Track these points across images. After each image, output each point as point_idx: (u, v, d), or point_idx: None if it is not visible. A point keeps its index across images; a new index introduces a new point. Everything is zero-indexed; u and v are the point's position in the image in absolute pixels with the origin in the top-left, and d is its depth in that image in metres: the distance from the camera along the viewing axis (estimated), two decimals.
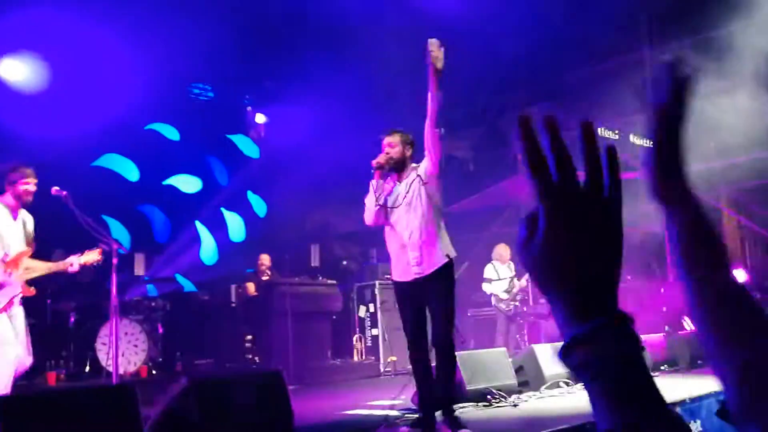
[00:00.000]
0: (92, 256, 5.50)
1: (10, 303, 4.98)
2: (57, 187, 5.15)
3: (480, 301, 11.61)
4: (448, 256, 4.47)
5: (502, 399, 5.60)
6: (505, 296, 9.03)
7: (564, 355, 0.72)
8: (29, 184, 5.13)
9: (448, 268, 4.49)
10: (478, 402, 5.54)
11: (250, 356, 9.47)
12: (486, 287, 9.37)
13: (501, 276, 9.23)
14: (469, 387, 5.57)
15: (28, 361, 5.07)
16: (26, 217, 5.29)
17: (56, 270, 5.40)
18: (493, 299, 9.31)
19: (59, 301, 8.33)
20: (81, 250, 5.57)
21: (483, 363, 5.90)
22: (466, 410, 5.29)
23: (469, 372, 5.67)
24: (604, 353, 0.69)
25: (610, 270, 0.71)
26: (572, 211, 0.70)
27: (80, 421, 3.75)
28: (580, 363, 0.71)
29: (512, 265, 9.40)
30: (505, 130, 13.56)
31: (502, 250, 9.51)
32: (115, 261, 5.07)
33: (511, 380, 5.99)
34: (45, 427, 3.62)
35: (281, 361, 8.69)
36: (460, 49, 11.35)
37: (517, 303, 9.21)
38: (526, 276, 8.87)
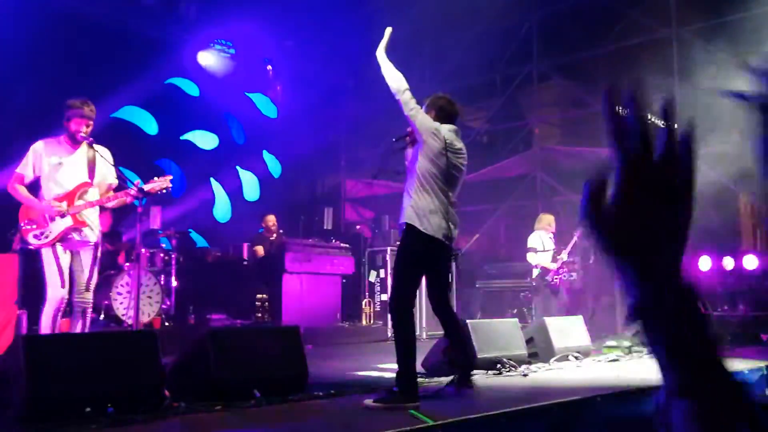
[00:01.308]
0: (162, 184, 5.17)
1: (64, 235, 4.92)
2: (83, 133, 5.09)
3: (490, 273, 11.69)
4: (406, 223, 4.42)
5: (512, 368, 5.66)
6: (552, 266, 8.77)
7: (630, 319, 0.74)
8: (81, 125, 5.01)
9: (404, 234, 4.43)
10: (488, 370, 5.61)
11: (260, 314, 9.58)
12: (531, 257, 9.01)
13: (546, 247, 8.94)
14: (480, 355, 5.64)
15: (86, 297, 5.02)
16: (99, 151, 5.15)
17: (116, 199, 5.14)
18: (535, 271, 8.98)
19: None
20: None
21: (495, 332, 5.96)
22: (476, 378, 5.36)
23: (481, 340, 5.73)
24: (669, 316, 0.72)
25: (678, 235, 0.74)
26: (648, 179, 0.73)
27: (104, 364, 3.84)
28: (645, 326, 0.74)
29: (552, 236, 9.10)
30: (521, 103, 13.50)
31: (550, 220, 9.17)
32: (140, 210, 5.09)
33: (522, 351, 6.05)
34: (69, 368, 3.71)
35: (291, 320, 8.80)
36: (476, 20, 11.33)
37: (560, 276, 8.90)
38: (568, 249, 8.71)
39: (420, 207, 4.36)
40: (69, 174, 5.04)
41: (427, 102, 4.70)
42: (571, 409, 4.27)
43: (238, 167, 12.52)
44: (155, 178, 5.20)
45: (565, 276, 8.81)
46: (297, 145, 12.60)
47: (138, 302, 5.05)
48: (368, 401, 4.11)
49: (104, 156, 5.19)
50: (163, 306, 8.51)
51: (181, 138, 11.72)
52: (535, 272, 8.95)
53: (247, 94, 12.82)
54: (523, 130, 12.97)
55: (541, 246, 8.91)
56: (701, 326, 0.72)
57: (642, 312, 0.73)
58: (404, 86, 4.50)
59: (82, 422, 3.49)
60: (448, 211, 4.44)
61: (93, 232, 5.10)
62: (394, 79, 4.53)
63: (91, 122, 5.08)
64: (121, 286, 8.03)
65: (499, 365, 5.65)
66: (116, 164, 5.36)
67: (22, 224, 4.98)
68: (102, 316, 8.06)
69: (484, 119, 13.74)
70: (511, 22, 12.19)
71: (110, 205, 5.25)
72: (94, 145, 5.14)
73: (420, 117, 4.46)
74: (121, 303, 7.96)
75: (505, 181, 12.45)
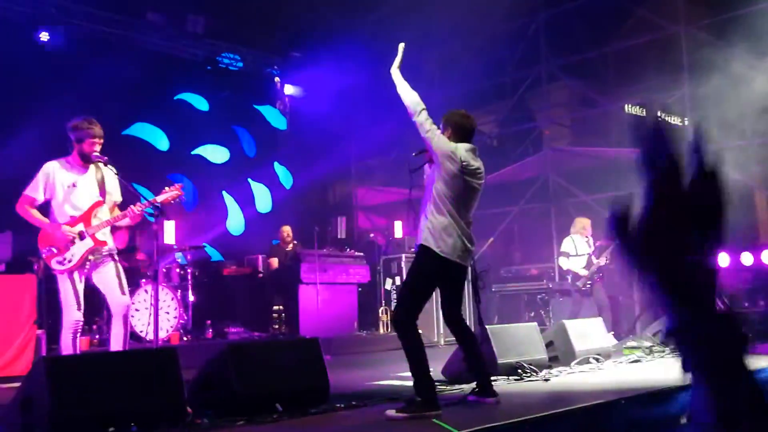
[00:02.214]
0: (174, 193, 5.14)
1: (86, 258, 4.91)
2: (97, 152, 5.09)
3: (505, 276, 11.64)
4: (422, 245, 4.44)
5: (533, 373, 5.62)
6: (584, 272, 8.71)
7: (668, 340, 0.73)
8: (95, 146, 4.97)
9: (418, 254, 4.47)
10: (509, 376, 5.57)
11: (277, 326, 9.58)
12: (563, 262, 8.94)
13: (579, 251, 8.86)
14: (500, 361, 5.60)
15: (123, 300, 4.99)
16: (105, 171, 5.11)
17: (126, 217, 5.09)
18: (569, 276, 8.91)
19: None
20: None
21: (514, 337, 5.92)
22: (497, 383, 5.32)
23: (501, 345, 5.69)
24: (704, 341, 0.71)
25: (710, 259, 0.73)
26: (679, 204, 0.72)
27: (125, 382, 3.84)
28: (680, 349, 0.73)
29: (591, 241, 9.04)
30: (530, 105, 13.47)
31: (585, 223, 9.01)
32: (155, 226, 5.11)
33: (542, 355, 6.01)
34: (92, 387, 3.71)
35: (308, 331, 8.79)
36: (483, 23, 11.32)
37: (594, 280, 8.81)
38: (606, 253, 8.64)
39: (436, 228, 4.37)
40: (83, 195, 5.01)
41: (443, 119, 4.67)
42: (596, 413, 4.23)
43: (249, 180, 12.56)
44: (165, 189, 5.15)
45: (596, 278, 8.72)
46: (307, 156, 12.63)
47: (157, 319, 5.05)
48: (390, 412, 4.09)
49: (111, 174, 5.15)
50: (181, 321, 8.52)
51: (192, 153, 11.77)
52: (568, 277, 8.88)
53: (256, 106, 12.86)
54: (534, 132, 12.94)
55: (574, 250, 8.85)
56: (737, 351, 0.70)
57: (678, 336, 0.72)
58: (420, 106, 4.47)
59: None
60: (464, 231, 4.43)
61: (109, 247, 5.09)
62: (410, 98, 4.51)
63: (102, 140, 5.04)
64: (139, 303, 8.05)
65: (519, 371, 5.60)
66: (129, 180, 5.33)
67: (43, 252, 4.93)
68: None
69: (494, 123, 13.73)
70: (518, 24, 12.18)
71: (123, 223, 5.21)
72: (100, 164, 5.10)
73: (436, 139, 4.42)
74: (139, 319, 7.98)
75: (517, 183, 12.41)
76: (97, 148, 4.99)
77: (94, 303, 8.17)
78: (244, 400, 4.16)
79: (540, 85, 12.40)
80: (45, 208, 5.05)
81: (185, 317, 8.71)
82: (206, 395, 4.30)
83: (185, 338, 8.62)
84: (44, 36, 9.69)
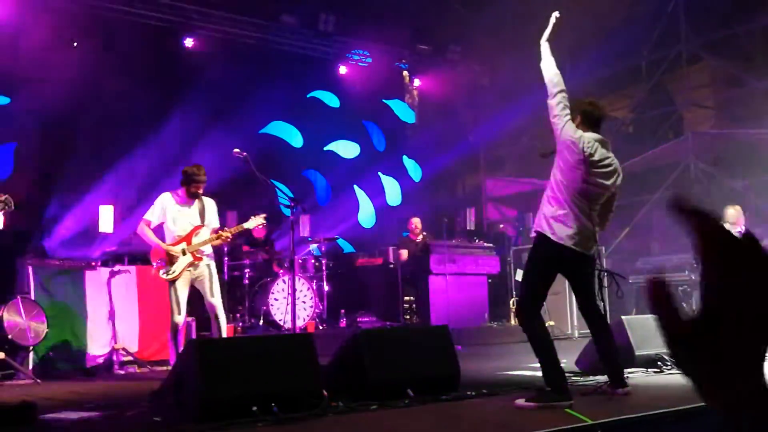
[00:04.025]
0: (258, 221, 6.28)
1: (186, 271, 5.95)
2: (237, 149, 5.57)
3: (643, 268, 11.15)
4: (537, 231, 4.33)
5: (674, 365, 5.37)
6: None
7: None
8: (199, 188, 6.08)
9: (535, 240, 4.38)
10: (647, 368, 5.36)
11: (408, 316, 9.72)
12: None
13: None
14: (638, 353, 5.40)
15: (212, 302, 5.99)
16: (206, 202, 6.21)
17: (220, 241, 6.23)
18: None
19: (235, 259, 8.97)
20: (255, 209, 6.17)
21: (653, 328, 5.67)
22: (634, 376, 5.15)
23: (638, 337, 5.48)
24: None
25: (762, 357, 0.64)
26: (737, 300, 0.64)
27: (267, 365, 4.06)
28: None
29: (743, 230, 8.57)
30: (668, 87, 12.78)
31: (735, 213, 8.59)
32: (291, 218, 5.38)
33: None
34: (237, 370, 3.95)
35: (439, 321, 8.85)
36: (617, 3, 10.83)
37: None
38: None
39: (550, 215, 4.29)
40: (187, 221, 6.11)
41: (571, 107, 4.53)
42: None
43: (380, 173, 12.80)
44: (252, 217, 6.31)
45: None
46: (436, 148, 12.69)
47: (294, 307, 5.31)
48: (520, 401, 4.06)
49: (210, 206, 6.24)
50: (317, 310, 8.86)
51: (325, 149, 12.16)
52: None
53: (384, 101, 13.07)
54: (672, 116, 12.27)
55: None
56: None
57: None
58: (558, 87, 4.34)
59: (250, 421, 3.71)
60: (583, 222, 4.25)
61: (206, 257, 6.14)
62: (551, 75, 4.38)
63: (205, 183, 6.12)
64: (277, 292, 8.45)
65: (659, 362, 5.38)
66: (268, 178, 6.17)
67: (155, 264, 6.08)
68: (261, 322, 8.53)
69: (628, 108, 13.15)
70: (656, 2, 11.58)
71: (217, 242, 6.25)
72: (203, 197, 6.23)
73: (562, 125, 4.29)
74: (278, 308, 8.37)
75: (655, 170, 11.82)
76: (200, 190, 6.11)
77: (235, 292, 8.71)
78: (376, 384, 4.28)
79: (678, 66, 11.74)
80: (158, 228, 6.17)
81: (320, 306, 9.05)
82: (340, 380, 4.46)
83: (321, 327, 8.95)
84: (189, 42, 10.35)
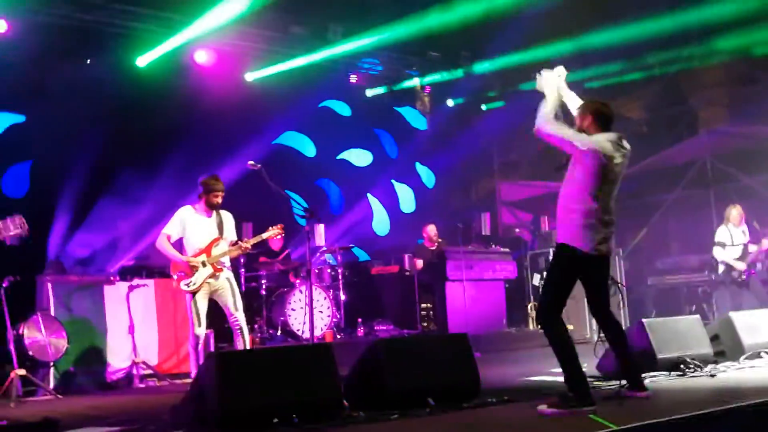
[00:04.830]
0: (275, 231, 6.34)
1: (206, 282, 6.02)
2: (252, 161, 5.63)
3: (661, 269, 11.06)
4: (562, 243, 4.33)
5: (697, 368, 5.31)
6: (739, 265, 8.21)
7: None
8: (218, 197, 6.15)
9: (558, 248, 4.38)
10: (670, 371, 5.30)
11: (426, 324, 9.69)
12: (718, 253, 8.45)
13: (735, 241, 8.35)
14: (659, 356, 5.34)
15: (236, 315, 6.07)
16: (224, 216, 6.28)
17: (239, 252, 6.33)
18: (720, 267, 8.43)
19: (252, 270, 8.99)
20: (271, 221, 6.20)
21: (674, 331, 5.62)
22: (656, 379, 5.09)
23: (660, 340, 5.42)
24: None
25: None
26: None
27: (287, 376, 4.05)
28: None
29: (746, 229, 8.52)
30: (681, 86, 12.68)
31: (734, 214, 8.49)
32: (306, 229, 5.40)
33: (707, 349, 5.66)
34: (257, 381, 3.95)
35: (456, 328, 8.82)
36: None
37: (756, 267, 8.28)
38: (761, 246, 8.11)
39: (575, 225, 4.28)
40: (206, 234, 6.18)
41: (581, 109, 4.53)
42: None
43: (393, 181, 12.79)
44: (269, 228, 6.38)
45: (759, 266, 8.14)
46: (448, 154, 12.65)
47: (312, 317, 5.31)
48: (542, 407, 4.03)
49: (228, 219, 6.31)
50: (334, 319, 8.85)
51: (337, 158, 12.18)
52: (721, 268, 8.37)
53: (395, 108, 13.07)
54: (687, 115, 12.19)
55: (730, 241, 8.30)
56: None
57: None
58: (552, 114, 4.39)
59: None
60: (604, 224, 4.29)
61: (226, 274, 6.19)
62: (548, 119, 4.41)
63: (223, 193, 6.19)
64: (295, 302, 8.45)
65: (682, 366, 5.32)
66: (281, 188, 6.19)
67: (175, 276, 6.13)
68: (279, 332, 8.53)
69: (642, 108, 13.07)
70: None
71: (235, 254, 6.36)
72: (221, 211, 6.30)
73: (576, 138, 4.29)
74: (296, 318, 8.37)
75: (671, 170, 11.74)
76: (219, 199, 6.17)
77: (252, 303, 8.72)
78: (396, 394, 4.26)
79: (691, 64, 11.66)
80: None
81: (338, 316, 9.04)
82: (360, 389, 4.44)
83: (338, 336, 8.94)
84: (201, 56, 10.38)
